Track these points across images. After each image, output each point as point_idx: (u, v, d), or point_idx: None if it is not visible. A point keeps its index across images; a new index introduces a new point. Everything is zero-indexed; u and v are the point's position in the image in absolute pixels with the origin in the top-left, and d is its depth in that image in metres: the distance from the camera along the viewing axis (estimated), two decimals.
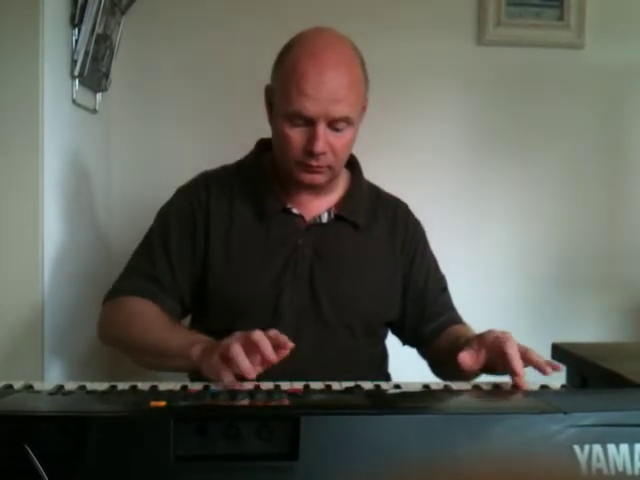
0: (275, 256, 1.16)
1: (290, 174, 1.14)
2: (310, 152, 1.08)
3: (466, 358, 0.94)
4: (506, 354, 0.90)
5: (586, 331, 2.01)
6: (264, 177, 1.21)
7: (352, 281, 1.18)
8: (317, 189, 1.17)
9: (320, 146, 1.07)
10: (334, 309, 1.16)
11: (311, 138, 1.08)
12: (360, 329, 1.19)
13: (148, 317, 1.11)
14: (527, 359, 0.91)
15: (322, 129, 1.07)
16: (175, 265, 1.17)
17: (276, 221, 1.18)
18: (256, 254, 1.16)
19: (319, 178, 1.14)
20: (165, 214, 1.22)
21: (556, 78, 2.01)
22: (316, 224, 1.19)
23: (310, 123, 1.07)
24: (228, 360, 0.89)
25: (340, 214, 1.20)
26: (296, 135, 1.09)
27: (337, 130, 1.09)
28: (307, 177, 1.13)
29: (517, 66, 2.00)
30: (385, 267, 1.23)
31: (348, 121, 1.09)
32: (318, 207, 1.20)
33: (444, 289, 1.29)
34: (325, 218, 1.20)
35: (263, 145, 1.25)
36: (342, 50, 1.10)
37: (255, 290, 1.15)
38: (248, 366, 0.87)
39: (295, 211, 1.19)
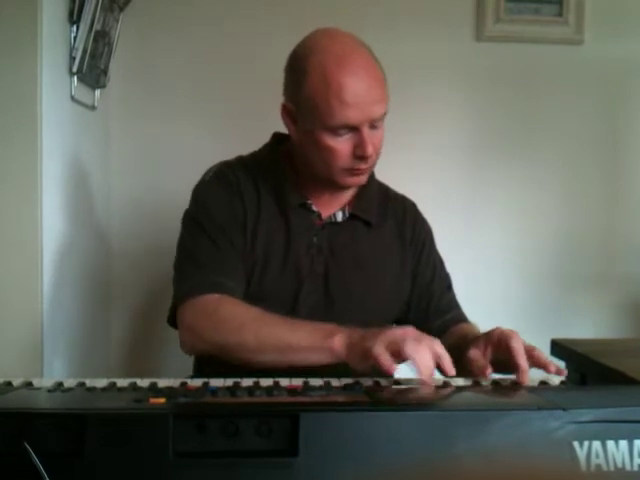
0: (294, 250, 1.16)
1: (334, 180, 1.14)
2: (361, 157, 1.09)
3: (488, 372, 0.95)
4: (511, 348, 0.91)
5: (585, 328, 2.01)
6: (284, 170, 1.20)
7: (365, 280, 1.19)
8: (339, 187, 1.17)
9: (370, 149, 1.08)
10: (347, 307, 1.17)
11: (359, 144, 1.08)
12: (371, 327, 1.19)
13: (253, 315, 1.05)
14: (532, 357, 0.92)
15: (367, 132, 1.08)
16: (239, 252, 1.14)
17: (295, 215, 1.18)
18: (279, 247, 1.16)
19: (364, 178, 1.16)
20: (205, 203, 1.17)
21: (555, 74, 2.01)
22: (331, 222, 1.20)
23: (354, 129, 1.07)
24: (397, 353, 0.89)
25: (354, 212, 1.21)
26: (341, 145, 1.08)
27: (375, 128, 1.10)
28: (354, 180, 1.14)
29: (516, 62, 2.00)
30: (395, 266, 1.23)
31: (384, 116, 1.10)
32: (334, 205, 1.20)
33: (449, 287, 1.29)
34: (340, 217, 1.20)
35: (277, 138, 1.25)
36: (361, 49, 1.10)
37: (277, 284, 1.15)
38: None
39: (314, 208, 1.19)
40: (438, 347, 0.89)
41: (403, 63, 1.93)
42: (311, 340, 0.98)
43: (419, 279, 1.25)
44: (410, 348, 0.88)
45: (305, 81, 1.08)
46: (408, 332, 0.92)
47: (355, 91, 1.05)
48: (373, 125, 1.09)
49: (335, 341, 0.96)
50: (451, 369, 0.88)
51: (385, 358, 0.88)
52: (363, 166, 1.11)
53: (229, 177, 1.19)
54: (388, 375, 0.89)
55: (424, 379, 0.86)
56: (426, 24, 1.96)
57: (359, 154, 1.08)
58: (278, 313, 1.10)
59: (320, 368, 0.96)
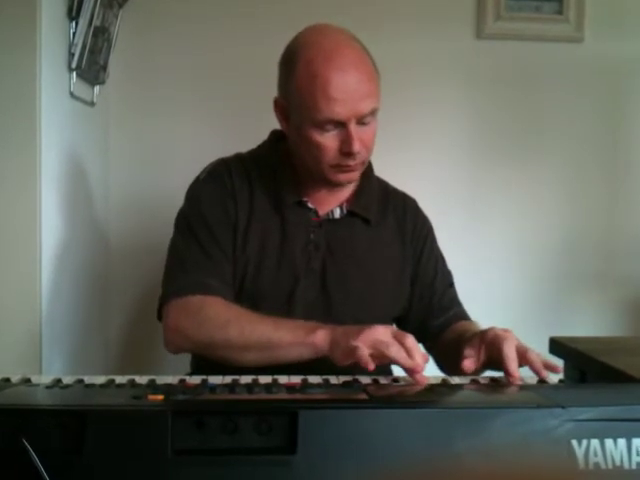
0: (290, 248, 1.16)
1: (324, 177, 1.13)
2: (348, 153, 1.08)
3: (469, 365, 0.96)
4: (503, 354, 0.91)
5: (585, 327, 2.01)
6: (281, 168, 1.20)
7: (363, 277, 1.19)
8: (332, 184, 1.17)
9: (357, 146, 1.07)
10: (345, 304, 1.17)
11: (346, 140, 1.07)
12: (369, 324, 1.19)
13: (237, 313, 1.06)
14: (525, 358, 0.92)
15: (354, 128, 1.07)
16: (227, 253, 1.14)
17: (291, 213, 1.17)
18: (273, 245, 1.16)
19: (355, 175, 1.15)
20: (197, 203, 1.18)
21: (555, 72, 2.01)
22: (329, 219, 1.19)
23: (341, 125, 1.07)
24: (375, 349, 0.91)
25: (352, 209, 1.20)
26: (328, 140, 1.08)
27: (364, 124, 1.09)
28: (344, 177, 1.13)
29: (516, 60, 2.00)
30: (395, 263, 1.23)
31: (374, 112, 1.09)
32: (331, 202, 1.20)
33: (451, 285, 1.29)
34: (337, 214, 1.20)
35: (276, 136, 1.24)
36: (352, 45, 1.09)
37: (273, 282, 1.15)
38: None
39: (310, 205, 1.18)
40: (409, 341, 0.90)
41: (403, 61, 1.93)
42: (294, 336, 0.99)
43: (421, 276, 1.25)
44: (394, 351, 0.89)
45: (294, 76, 1.08)
46: (389, 332, 0.93)
47: (342, 86, 1.04)
48: (362, 121, 1.08)
49: (318, 336, 0.97)
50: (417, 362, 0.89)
51: (367, 360, 0.89)
52: (351, 162, 1.10)
53: (223, 176, 1.19)
54: (368, 371, 0.89)
55: (416, 379, 0.88)
56: (426, 22, 1.96)
57: (346, 150, 1.08)
58: (274, 310, 1.10)
59: (304, 364, 0.97)
